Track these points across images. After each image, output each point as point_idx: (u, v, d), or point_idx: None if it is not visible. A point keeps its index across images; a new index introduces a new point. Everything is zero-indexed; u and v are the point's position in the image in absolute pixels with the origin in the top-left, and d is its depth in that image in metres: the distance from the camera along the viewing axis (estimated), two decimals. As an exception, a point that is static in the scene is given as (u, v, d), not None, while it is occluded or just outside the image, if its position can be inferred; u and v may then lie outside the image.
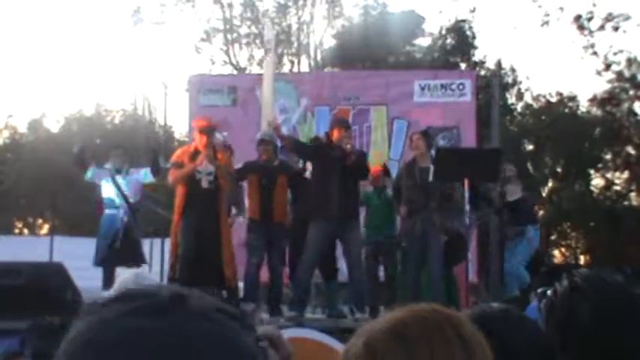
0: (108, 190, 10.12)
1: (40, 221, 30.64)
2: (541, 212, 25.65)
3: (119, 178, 10.10)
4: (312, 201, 8.72)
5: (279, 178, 9.11)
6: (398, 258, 9.88)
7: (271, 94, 10.97)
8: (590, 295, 1.97)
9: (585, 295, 1.97)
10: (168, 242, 11.38)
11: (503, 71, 21.87)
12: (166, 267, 11.13)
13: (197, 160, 8.67)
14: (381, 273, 10.20)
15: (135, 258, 9.95)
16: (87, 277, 9.83)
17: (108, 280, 9.68)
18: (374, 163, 10.46)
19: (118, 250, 9.75)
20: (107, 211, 10.13)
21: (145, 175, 10.40)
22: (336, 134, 8.67)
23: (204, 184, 8.70)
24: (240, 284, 9.28)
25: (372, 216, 9.98)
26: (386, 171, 10.32)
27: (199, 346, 0.84)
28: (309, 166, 9.34)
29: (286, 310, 8.95)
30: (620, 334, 1.91)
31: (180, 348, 0.83)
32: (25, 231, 30.67)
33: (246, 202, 9.55)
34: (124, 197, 10.08)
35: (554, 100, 25.34)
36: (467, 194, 8.43)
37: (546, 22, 24.47)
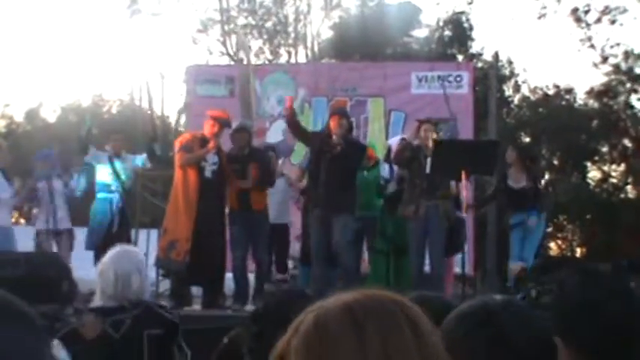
0: (103, 174, 10.09)
1: (36, 211, 30.62)
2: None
3: (117, 163, 10.10)
4: (308, 190, 8.86)
5: (251, 166, 9.12)
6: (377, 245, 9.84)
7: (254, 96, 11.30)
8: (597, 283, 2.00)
9: (594, 284, 1.99)
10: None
11: (500, 63, 21.86)
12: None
13: (208, 145, 8.68)
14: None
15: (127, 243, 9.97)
16: (83, 267, 9.84)
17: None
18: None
19: (114, 235, 9.74)
20: (100, 195, 10.09)
21: (140, 160, 10.42)
22: (332, 124, 8.72)
23: (207, 173, 8.70)
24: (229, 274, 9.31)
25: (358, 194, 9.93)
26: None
27: None
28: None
29: None
30: (606, 322, 1.92)
31: None
32: (22, 220, 30.62)
33: None
34: (121, 182, 10.07)
35: (551, 92, 25.34)
36: (464, 184, 8.44)
37: (543, 15, 24.47)
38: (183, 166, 8.72)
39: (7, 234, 9.48)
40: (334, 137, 8.57)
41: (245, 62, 12.08)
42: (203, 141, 8.78)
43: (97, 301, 4.04)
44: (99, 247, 9.72)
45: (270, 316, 2.55)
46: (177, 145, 8.98)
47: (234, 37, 27.57)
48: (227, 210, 9.14)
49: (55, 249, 9.84)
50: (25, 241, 9.85)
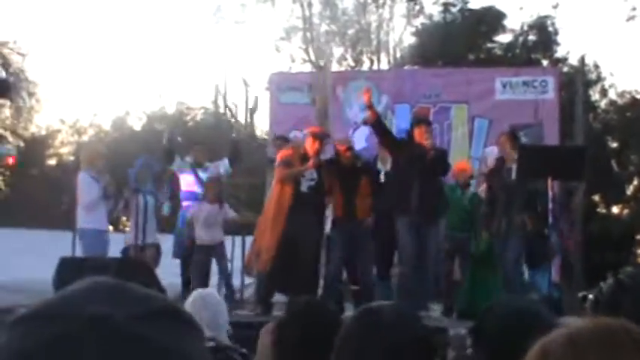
0: (188, 184, 10.24)
1: (124, 218, 31.24)
2: (626, 211, 25.14)
3: (200, 172, 10.24)
4: (392, 197, 8.77)
5: (362, 179, 9.20)
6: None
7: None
8: (633, 289, 1.96)
9: (628, 290, 1.96)
10: (248, 240, 11.48)
11: (586, 68, 21.47)
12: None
13: (308, 163, 8.77)
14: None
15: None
16: (171, 274, 10.01)
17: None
18: (455, 159, 10.45)
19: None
20: (186, 204, 10.24)
21: (223, 166, 10.53)
22: (417, 132, 8.72)
23: (304, 188, 8.78)
24: None
25: (452, 212, 9.83)
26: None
27: None
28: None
29: None
30: None
31: None
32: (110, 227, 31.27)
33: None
34: None
35: (639, 96, 24.81)
36: (550, 193, 8.31)
37: (632, 17, 23.96)
38: (282, 181, 8.86)
39: (101, 238, 9.59)
40: (427, 144, 8.60)
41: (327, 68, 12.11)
42: (304, 157, 8.88)
43: None
44: (186, 255, 9.92)
45: (294, 324, 2.97)
46: (277, 158, 9.09)
47: (316, 45, 27.70)
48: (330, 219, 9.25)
49: None
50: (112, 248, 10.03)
